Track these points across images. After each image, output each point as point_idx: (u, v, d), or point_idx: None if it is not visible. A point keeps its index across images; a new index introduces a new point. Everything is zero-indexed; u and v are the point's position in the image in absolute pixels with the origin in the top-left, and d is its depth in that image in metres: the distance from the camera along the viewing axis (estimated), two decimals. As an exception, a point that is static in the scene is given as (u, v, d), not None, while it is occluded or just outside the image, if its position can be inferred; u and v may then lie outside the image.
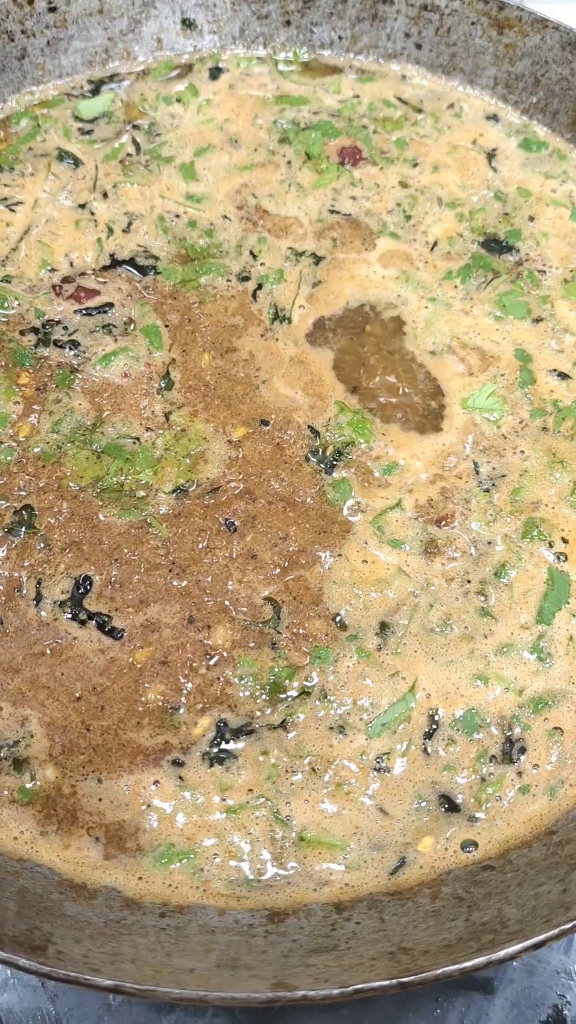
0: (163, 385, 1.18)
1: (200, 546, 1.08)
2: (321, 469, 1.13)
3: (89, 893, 0.92)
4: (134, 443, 1.13)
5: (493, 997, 1.04)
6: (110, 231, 1.30)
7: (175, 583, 1.06)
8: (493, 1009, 1.03)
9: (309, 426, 1.16)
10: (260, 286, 1.27)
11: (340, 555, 1.08)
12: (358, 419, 1.16)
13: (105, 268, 1.27)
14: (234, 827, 0.94)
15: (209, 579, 1.06)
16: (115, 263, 1.27)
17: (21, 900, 0.88)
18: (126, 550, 1.07)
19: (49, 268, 1.26)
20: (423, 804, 0.96)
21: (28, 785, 0.96)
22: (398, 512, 1.11)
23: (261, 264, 1.29)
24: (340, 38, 1.48)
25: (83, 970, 0.78)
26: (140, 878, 0.93)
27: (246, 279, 1.27)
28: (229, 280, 1.27)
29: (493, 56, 1.43)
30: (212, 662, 1.02)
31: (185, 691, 1.01)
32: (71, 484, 1.11)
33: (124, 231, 1.30)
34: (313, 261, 1.30)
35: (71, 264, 1.27)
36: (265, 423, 1.16)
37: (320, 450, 1.14)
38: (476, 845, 0.95)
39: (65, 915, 0.88)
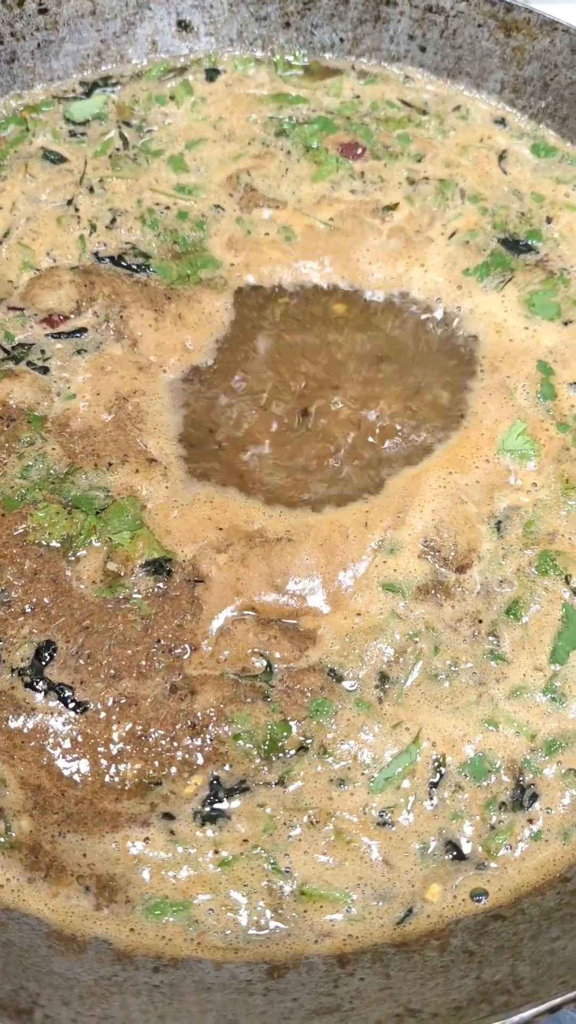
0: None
1: (183, 630, 0.99)
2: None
3: (79, 946, 0.87)
4: (106, 496, 1.04)
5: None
6: (92, 228, 1.24)
7: (155, 660, 0.97)
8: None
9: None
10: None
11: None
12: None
13: (92, 265, 1.21)
14: (230, 880, 0.89)
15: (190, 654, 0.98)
16: (99, 261, 1.22)
17: (7, 956, 0.83)
18: (99, 621, 0.98)
19: (32, 269, 1.20)
20: (429, 851, 0.91)
21: (2, 839, 0.90)
22: (406, 560, 1.04)
23: (266, 234, 1.25)
24: (341, 40, 1.43)
25: (70, 1037, 0.74)
26: (132, 929, 0.88)
27: None
28: (233, 264, 1.22)
29: (500, 59, 1.38)
30: (199, 726, 0.94)
31: (168, 763, 0.92)
32: (38, 540, 1.01)
33: (107, 227, 1.24)
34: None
35: (53, 260, 1.21)
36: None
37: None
38: (486, 894, 0.90)
39: (53, 972, 0.83)
